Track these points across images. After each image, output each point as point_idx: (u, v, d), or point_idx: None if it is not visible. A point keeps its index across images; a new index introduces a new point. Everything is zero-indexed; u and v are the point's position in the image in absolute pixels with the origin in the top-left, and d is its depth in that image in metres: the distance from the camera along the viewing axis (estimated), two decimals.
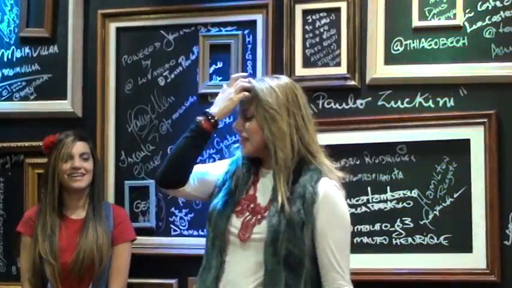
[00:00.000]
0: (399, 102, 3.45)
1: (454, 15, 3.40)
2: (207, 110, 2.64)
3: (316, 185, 2.50)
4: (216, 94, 3.55)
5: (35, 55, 3.90)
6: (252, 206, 2.56)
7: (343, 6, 3.51)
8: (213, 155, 3.61)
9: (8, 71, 3.92)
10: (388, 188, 3.43)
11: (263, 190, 2.58)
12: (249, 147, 2.57)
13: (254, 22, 3.62)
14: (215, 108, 2.63)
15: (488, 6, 3.38)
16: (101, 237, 3.28)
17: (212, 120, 2.59)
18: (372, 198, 3.44)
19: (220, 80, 3.63)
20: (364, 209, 3.45)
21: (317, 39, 3.56)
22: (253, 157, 2.62)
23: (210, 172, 2.69)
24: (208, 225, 2.60)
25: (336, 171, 2.59)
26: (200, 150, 2.61)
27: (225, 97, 2.64)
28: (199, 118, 2.61)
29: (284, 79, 2.62)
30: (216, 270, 2.53)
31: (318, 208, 2.48)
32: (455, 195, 3.35)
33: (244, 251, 2.52)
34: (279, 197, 2.48)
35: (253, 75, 3.58)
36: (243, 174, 2.60)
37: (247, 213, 2.54)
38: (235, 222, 2.54)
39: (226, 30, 3.67)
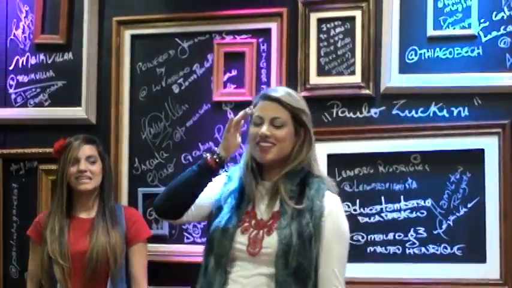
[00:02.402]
0: (413, 112, 3.44)
1: (469, 24, 3.39)
2: (215, 148, 2.71)
3: (323, 199, 2.56)
4: (230, 102, 3.63)
5: (49, 62, 3.91)
6: (253, 221, 2.58)
7: (358, 15, 3.51)
8: None
9: (22, 78, 3.94)
10: (402, 197, 3.42)
11: (261, 204, 2.61)
12: (273, 154, 2.58)
13: (269, 30, 3.62)
14: (220, 146, 2.68)
15: (503, 16, 3.37)
16: (113, 237, 3.28)
17: (216, 157, 2.63)
18: (386, 207, 3.44)
19: (234, 88, 3.64)
20: (377, 218, 3.44)
21: (331, 47, 3.56)
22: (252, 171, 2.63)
23: (204, 196, 2.68)
24: (210, 244, 2.60)
25: (334, 184, 2.66)
26: (204, 187, 2.64)
27: (224, 135, 2.70)
28: (206, 155, 2.65)
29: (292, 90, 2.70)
30: (219, 286, 2.53)
31: (324, 222, 2.53)
32: (469, 205, 3.34)
33: (253, 265, 2.53)
34: (288, 210, 2.53)
35: (267, 83, 3.59)
36: (251, 190, 2.61)
37: (252, 229, 2.56)
38: (241, 239, 2.55)
39: (240, 38, 3.67)
